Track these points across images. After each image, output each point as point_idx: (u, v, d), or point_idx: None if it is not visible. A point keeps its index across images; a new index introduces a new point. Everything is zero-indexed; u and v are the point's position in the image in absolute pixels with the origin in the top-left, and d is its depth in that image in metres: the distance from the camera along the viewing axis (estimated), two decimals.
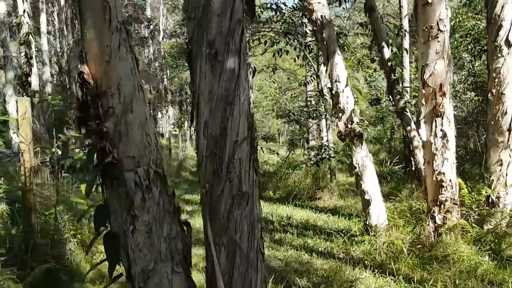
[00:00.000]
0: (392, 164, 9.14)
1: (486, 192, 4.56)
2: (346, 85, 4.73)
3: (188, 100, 21.35)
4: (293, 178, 9.58)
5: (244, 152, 1.61)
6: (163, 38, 29.29)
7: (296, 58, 10.16)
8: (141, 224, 1.56)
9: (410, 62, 9.29)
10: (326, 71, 4.93)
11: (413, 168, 6.09)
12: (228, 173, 1.59)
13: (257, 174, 1.70)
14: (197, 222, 6.34)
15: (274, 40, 8.35)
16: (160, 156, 1.67)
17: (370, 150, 15.30)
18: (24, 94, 7.90)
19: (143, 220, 1.57)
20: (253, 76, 13.00)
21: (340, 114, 4.80)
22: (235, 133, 1.59)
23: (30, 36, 7.75)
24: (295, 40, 8.35)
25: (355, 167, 4.78)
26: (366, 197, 4.77)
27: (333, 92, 4.79)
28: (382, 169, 9.63)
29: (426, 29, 4.22)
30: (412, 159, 6.20)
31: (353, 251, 4.58)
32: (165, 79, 28.76)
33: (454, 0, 13.28)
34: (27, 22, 7.87)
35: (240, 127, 1.60)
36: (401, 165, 8.86)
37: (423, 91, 4.33)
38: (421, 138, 4.97)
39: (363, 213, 5.07)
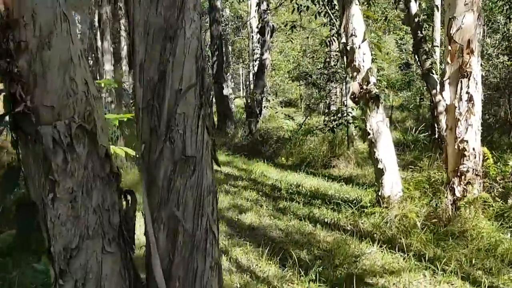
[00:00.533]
0: (417, 132, 8.64)
1: None
2: (363, 40, 4.25)
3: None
4: (308, 145, 9.21)
5: (190, 104, 1.26)
6: None
7: (317, 15, 9.52)
8: (62, 192, 1.26)
9: (442, 25, 8.58)
10: (340, 24, 4.45)
11: (437, 136, 5.63)
12: (169, 131, 1.25)
13: (210, 134, 1.36)
14: None
15: None
16: (92, 109, 1.33)
17: (396, 117, 14.72)
18: None
19: (65, 186, 1.26)
20: (271, 36, 12.47)
21: (355, 73, 4.35)
22: (177, 80, 1.23)
23: None
24: None
25: (369, 133, 4.37)
26: (380, 166, 4.39)
27: (348, 47, 4.33)
28: (406, 137, 9.16)
29: None
30: (436, 125, 5.72)
31: (362, 223, 4.26)
32: None
33: None
34: None
35: (185, 70, 1.24)
36: (427, 133, 8.36)
37: (449, 48, 3.83)
38: (445, 102, 4.49)
39: (375, 183, 4.71)
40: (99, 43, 15.69)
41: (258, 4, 10.99)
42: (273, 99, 14.60)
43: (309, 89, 12.84)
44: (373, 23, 17.37)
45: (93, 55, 17.19)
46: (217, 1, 13.34)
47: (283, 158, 8.97)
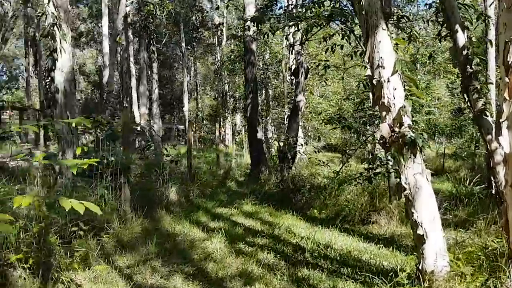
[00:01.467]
0: (472, 184, 7.52)
1: None
2: (394, 72, 3.50)
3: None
4: (346, 195, 8.30)
5: None
6: (226, 40, 29.23)
7: (352, 54, 8.89)
8: None
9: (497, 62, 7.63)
10: (364, 53, 3.74)
11: (494, 191, 4.62)
12: None
13: None
14: (215, 244, 5.42)
15: (314, 25, 7.17)
16: None
17: (449, 166, 13.45)
18: (48, 90, 7.61)
19: None
20: (305, 77, 11.93)
21: (384, 113, 3.58)
22: None
23: (56, 28, 7.38)
24: (344, 25, 7.11)
25: (404, 188, 3.52)
26: (419, 231, 3.48)
27: (374, 81, 3.58)
28: (459, 190, 8.04)
29: None
30: (492, 178, 4.73)
31: None
32: (226, 85, 28.54)
33: None
34: (52, 12, 7.55)
35: None
36: (483, 185, 7.23)
37: (506, 80, 2.99)
38: (503, 150, 3.57)
39: (415, 252, 3.78)
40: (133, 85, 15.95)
41: (292, 45, 10.54)
42: (308, 143, 13.86)
43: (344, 133, 12.03)
44: (421, 67, 16.51)
45: (127, 98, 17.53)
46: (252, 44, 13.12)
47: (315, 210, 8.10)
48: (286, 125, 13.51)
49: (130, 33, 18.64)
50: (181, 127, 32.08)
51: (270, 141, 19.45)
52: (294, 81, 11.44)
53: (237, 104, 28.36)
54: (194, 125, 29.25)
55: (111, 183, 5.73)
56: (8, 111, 38.43)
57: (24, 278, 3.21)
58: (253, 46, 13.12)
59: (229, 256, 4.96)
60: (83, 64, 47.29)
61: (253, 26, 8.44)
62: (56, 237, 3.90)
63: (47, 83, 7.68)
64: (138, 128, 11.19)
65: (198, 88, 37.49)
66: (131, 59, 20.35)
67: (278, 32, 13.99)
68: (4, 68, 52.73)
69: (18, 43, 41.98)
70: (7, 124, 26.21)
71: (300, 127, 14.02)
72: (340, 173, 9.29)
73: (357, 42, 8.22)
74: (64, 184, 6.94)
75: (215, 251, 5.18)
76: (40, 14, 7.38)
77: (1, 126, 22.60)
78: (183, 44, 30.28)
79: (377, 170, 6.93)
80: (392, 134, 3.50)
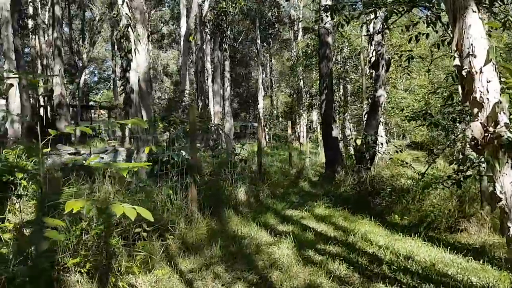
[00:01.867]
0: None
1: None
2: (487, 62, 2.96)
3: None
4: (431, 199, 7.59)
5: None
6: (303, 35, 28.81)
7: (440, 43, 8.12)
8: None
9: None
10: (451, 41, 3.23)
11: None
12: None
13: None
14: (282, 250, 5.17)
15: (394, 12, 6.56)
16: None
17: None
18: (123, 90, 7.88)
19: None
20: (386, 70, 11.17)
21: (475, 110, 3.04)
22: None
23: (130, 29, 7.62)
24: (429, 12, 6.43)
25: (499, 199, 2.97)
26: None
27: (464, 72, 3.07)
28: None
29: None
30: None
31: None
32: (301, 81, 28.13)
33: None
34: (126, 14, 7.80)
35: None
36: None
37: None
38: None
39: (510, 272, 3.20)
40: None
41: (371, 35, 9.92)
42: (389, 141, 13.04)
43: (431, 131, 11.08)
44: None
45: (202, 97, 17.91)
46: (328, 36, 12.65)
47: (396, 216, 7.50)
48: (364, 122, 12.85)
49: (207, 31, 19.03)
50: (256, 124, 32.33)
51: (348, 139, 18.75)
52: (374, 75, 10.77)
53: (313, 100, 27.83)
54: (264, 123, 29.25)
55: (176, 183, 5.72)
56: (98, 110, 41.49)
57: (81, 283, 3.21)
58: (329, 39, 12.63)
59: (296, 265, 4.67)
60: (167, 65, 49.60)
61: (327, 16, 8.02)
62: (118, 239, 3.90)
63: (123, 84, 7.96)
64: (209, 127, 11.27)
65: (273, 85, 37.49)
66: (208, 58, 20.80)
67: (356, 23, 13.30)
68: (95, 70, 57.14)
69: (108, 46, 45.12)
70: (97, 123, 28.14)
71: (380, 124, 13.27)
72: (425, 175, 8.56)
73: (444, 30, 7.49)
74: (136, 183, 7.13)
75: (282, 258, 4.91)
76: (114, 16, 7.64)
77: (92, 124, 24.20)
78: (259, 41, 30.42)
79: (468, 173, 6.19)
80: (486, 134, 2.97)
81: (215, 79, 14.51)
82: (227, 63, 14.51)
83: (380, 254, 5.22)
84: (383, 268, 4.67)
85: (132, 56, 7.67)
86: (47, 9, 25.81)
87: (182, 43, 18.73)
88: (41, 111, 28.22)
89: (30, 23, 27.73)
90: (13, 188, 4.25)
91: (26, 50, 35.18)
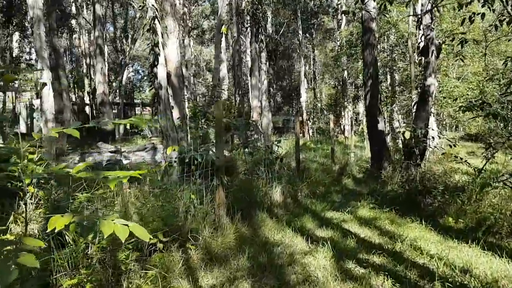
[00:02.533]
0: None
1: None
2: None
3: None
4: (490, 199, 6.75)
5: None
6: (347, 23, 27.74)
7: (497, 24, 7.22)
8: None
9: None
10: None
11: None
12: None
13: None
14: (319, 261, 4.62)
15: None
16: None
17: None
18: (151, 85, 7.56)
19: None
20: (437, 56, 10.21)
21: None
22: None
23: (156, 21, 7.27)
24: None
25: None
26: None
27: None
28: None
29: None
30: None
31: None
32: (345, 72, 27.09)
33: None
34: (152, 5, 7.45)
35: None
36: None
37: None
38: None
39: None
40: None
41: (419, 19, 9.06)
42: (442, 134, 12.03)
43: (488, 122, 10.04)
44: None
45: (239, 91, 17.49)
46: (372, 22, 11.83)
47: (450, 218, 6.72)
48: (414, 113, 11.96)
49: (244, 23, 18.56)
50: (299, 118, 31.62)
51: (396, 132, 17.74)
52: (423, 62, 9.88)
53: (359, 92, 26.76)
54: (307, 117, 28.46)
55: (201, 185, 5.29)
56: (142, 108, 42.28)
57: None
58: (373, 25, 11.81)
59: (334, 280, 4.11)
60: (210, 60, 49.80)
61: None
62: (129, 253, 3.50)
63: (151, 79, 7.65)
64: (243, 123, 10.81)
65: (317, 77, 36.56)
66: (248, 51, 20.34)
67: (402, 6, 12.33)
68: (139, 68, 58.37)
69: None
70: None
71: (431, 115, 12.32)
72: (483, 171, 7.67)
73: (503, 8, 6.62)
74: (169, 184, 6.81)
75: (318, 270, 4.36)
76: (141, 8, 7.33)
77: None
78: (300, 32, 29.62)
79: None
80: None
81: (253, 73, 14.02)
82: (263, 54, 13.96)
83: (432, 266, 4.55)
84: (436, 285, 4.02)
85: (159, 50, 7.32)
86: (90, 9, 26.36)
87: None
88: (87, 109, 29.00)
89: (74, 22, 28.47)
90: (22, 195, 4.00)
91: (74, 50, 36.29)
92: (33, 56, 34.30)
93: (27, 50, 34.54)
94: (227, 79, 16.34)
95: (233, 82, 15.71)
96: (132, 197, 4.63)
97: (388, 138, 14.23)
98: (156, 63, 7.37)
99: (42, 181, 4.33)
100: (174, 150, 5.12)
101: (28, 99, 24.30)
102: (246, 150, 7.95)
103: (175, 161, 6.88)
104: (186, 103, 12.79)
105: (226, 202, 5.39)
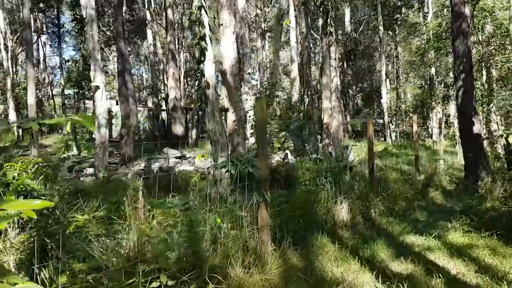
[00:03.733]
0: None
1: None
2: None
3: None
4: None
5: None
6: (434, 16, 25.34)
7: None
8: None
9: None
10: None
11: None
12: None
13: None
14: None
15: None
16: None
17: None
18: (198, 84, 6.75)
19: None
20: None
21: None
22: None
23: (203, 11, 6.42)
24: None
25: None
26: None
27: None
28: None
29: None
30: None
31: None
32: (433, 69, 24.67)
33: None
34: None
35: None
36: None
37: None
38: None
39: None
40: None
41: None
42: None
43: None
44: None
45: (308, 92, 16.33)
46: (464, 7, 10.13)
47: None
48: None
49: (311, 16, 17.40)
50: (380, 121, 29.49)
51: (495, 135, 15.46)
52: None
53: (449, 91, 24.21)
54: (389, 119, 26.34)
55: (236, 204, 4.29)
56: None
57: None
58: (465, 10, 10.08)
59: None
60: (287, 64, 49.05)
61: None
62: None
63: (197, 77, 6.84)
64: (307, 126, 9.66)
65: (400, 76, 34.06)
66: (330, 50, 19.09)
67: None
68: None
69: None
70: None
71: None
72: None
73: None
74: (219, 195, 5.97)
75: None
76: None
77: None
78: (381, 28, 27.63)
79: None
80: None
81: (324, 71, 12.82)
82: (332, 49, 12.68)
83: None
84: None
85: (206, 44, 6.48)
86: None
87: (291, 34, 17.36)
88: (164, 114, 29.55)
89: (149, 32, 29.23)
90: None
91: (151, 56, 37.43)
92: (110, 65, 35.95)
93: (110, 58, 36.29)
94: (298, 80, 15.28)
95: (302, 81, 14.64)
96: (150, 216, 3.78)
97: (485, 143, 12.24)
98: (202, 59, 6.54)
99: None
100: (204, 157, 4.20)
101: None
102: (309, 156, 6.83)
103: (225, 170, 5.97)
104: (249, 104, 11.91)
105: (271, 223, 4.33)
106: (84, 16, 9.97)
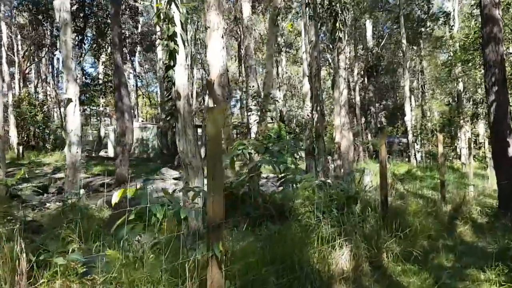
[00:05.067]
0: None
1: None
2: None
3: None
4: None
5: None
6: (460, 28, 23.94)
7: None
8: None
9: None
10: None
11: None
12: None
13: None
14: None
15: None
16: None
17: None
18: (167, 93, 5.65)
19: None
20: None
21: None
22: None
23: (173, 6, 5.30)
24: None
25: None
26: None
27: None
28: None
29: None
30: None
31: None
32: (461, 84, 23.13)
33: None
34: None
35: None
36: None
37: None
38: None
39: None
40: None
41: None
42: None
43: None
44: None
45: (318, 107, 15.12)
46: (496, 9, 8.88)
47: None
48: None
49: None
50: (404, 140, 27.91)
51: None
52: None
53: (478, 108, 22.62)
54: (413, 139, 24.78)
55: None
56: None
57: None
58: (496, 13, 8.83)
59: None
60: (301, 80, 48.10)
61: None
62: None
63: (167, 86, 5.74)
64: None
65: (425, 93, 32.49)
66: (339, 59, 17.94)
67: None
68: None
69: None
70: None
71: None
72: None
73: None
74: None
75: None
76: None
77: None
78: (404, 41, 26.30)
79: None
80: None
81: (336, 84, 11.64)
82: (341, 57, 11.46)
83: None
84: None
85: (177, 45, 5.35)
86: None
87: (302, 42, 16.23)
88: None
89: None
90: None
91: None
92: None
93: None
94: (309, 95, 14.06)
95: (311, 95, 13.46)
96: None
97: None
98: (172, 63, 5.41)
99: None
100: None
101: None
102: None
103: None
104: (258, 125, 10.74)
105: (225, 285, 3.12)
106: (57, 20, 9.12)
